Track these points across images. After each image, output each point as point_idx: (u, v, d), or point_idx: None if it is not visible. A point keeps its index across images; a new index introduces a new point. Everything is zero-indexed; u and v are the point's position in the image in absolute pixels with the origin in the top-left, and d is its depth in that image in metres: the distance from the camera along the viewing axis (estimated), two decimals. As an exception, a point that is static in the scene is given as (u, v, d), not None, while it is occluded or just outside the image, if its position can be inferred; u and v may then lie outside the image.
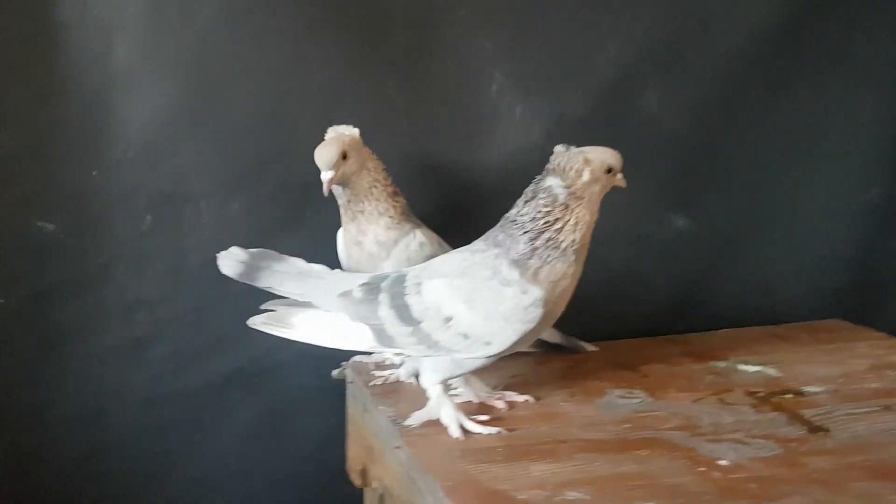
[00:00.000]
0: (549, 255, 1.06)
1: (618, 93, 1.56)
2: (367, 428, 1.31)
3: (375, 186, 1.28)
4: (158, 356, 1.46)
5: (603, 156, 1.10)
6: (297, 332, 1.17)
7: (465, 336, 1.08)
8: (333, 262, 1.43)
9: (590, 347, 1.49)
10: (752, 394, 1.32)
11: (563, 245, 1.07)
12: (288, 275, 1.18)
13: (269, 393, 1.52)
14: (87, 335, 1.43)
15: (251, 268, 1.17)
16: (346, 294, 1.15)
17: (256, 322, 1.17)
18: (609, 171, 1.10)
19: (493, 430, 1.12)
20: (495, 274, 1.07)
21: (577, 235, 1.08)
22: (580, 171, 1.08)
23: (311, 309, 1.18)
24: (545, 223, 1.07)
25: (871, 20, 1.68)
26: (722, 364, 1.47)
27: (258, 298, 1.40)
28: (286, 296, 1.20)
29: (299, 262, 1.19)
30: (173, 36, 1.36)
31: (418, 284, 1.12)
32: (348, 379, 1.42)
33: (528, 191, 1.11)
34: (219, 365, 1.49)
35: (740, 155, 1.68)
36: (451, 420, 1.12)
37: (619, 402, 1.28)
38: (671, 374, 1.40)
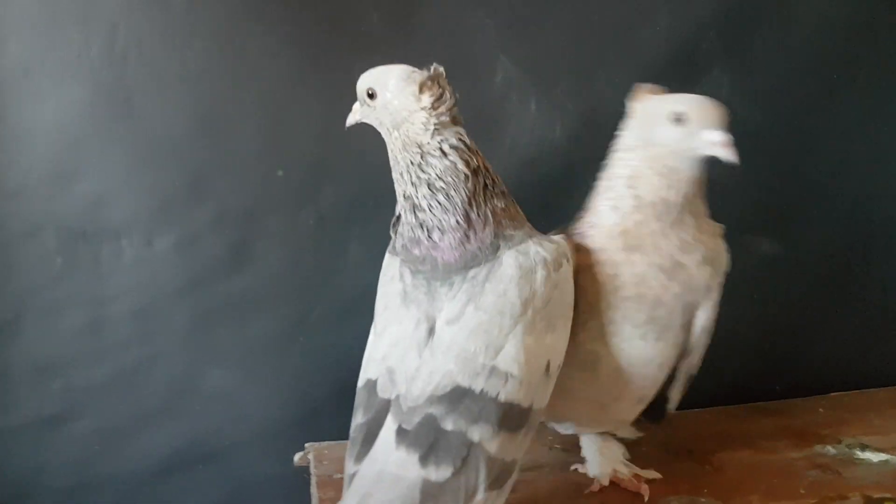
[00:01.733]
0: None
1: (672, 78, 1.17)
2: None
3: None
4: (78, 435, 1.21)
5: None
6: None
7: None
8: (290, 306, 1.22)
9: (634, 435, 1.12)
10: (874, 502, 0.96)
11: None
12: None
13: (218, 482, 1.25)
14: (-12, 411, 1.21)
15: None
16: None
17: None
18: None
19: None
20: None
21: None
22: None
23: None
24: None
25: None
26: (832, 450, 1.12)
27: (197, 357, 1.21)
28: None
29: None
30: (79, 27, 1.13)
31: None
32: (312, 467, 1.13)
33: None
34: (154, 445, 1.23)
35: (848, 159, 1.35)
36: None
37: (674, 523, 0.95)
38: (757, 467, 1.06)
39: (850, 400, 1.29)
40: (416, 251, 0.82)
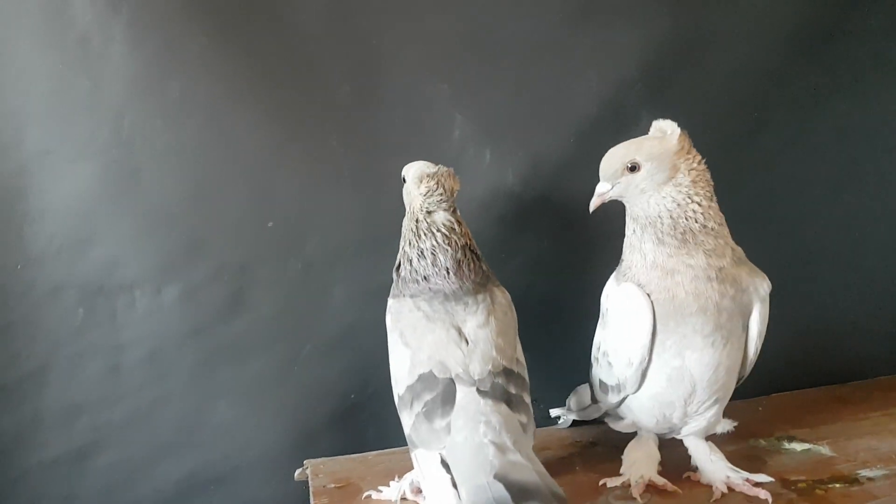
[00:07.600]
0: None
1: (604, 126, 1.38)
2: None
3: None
4: (104, 466, 1.32)
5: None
6: None
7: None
8: (283, 344, 1.33)
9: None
10: (790, 484, 1.09)
11: None
12: None
13: (227, 502, 1.35)
14: (24, 448, 1.29)
15: None
16: None
17: None
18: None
19: None
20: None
21: None
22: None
23: None
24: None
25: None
26: (763, 442, 1.25)
27: (203, 393, 1.33)
28: None
29: None
30: (90, 115, 1.25)
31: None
32: (309, 480, 1.24)
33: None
34: (170, 473, 1.34)
35: (771, 185, 1.48)
36: None
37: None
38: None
39: (786, 401, 1.41)
40: (415, 287, 1.08)
